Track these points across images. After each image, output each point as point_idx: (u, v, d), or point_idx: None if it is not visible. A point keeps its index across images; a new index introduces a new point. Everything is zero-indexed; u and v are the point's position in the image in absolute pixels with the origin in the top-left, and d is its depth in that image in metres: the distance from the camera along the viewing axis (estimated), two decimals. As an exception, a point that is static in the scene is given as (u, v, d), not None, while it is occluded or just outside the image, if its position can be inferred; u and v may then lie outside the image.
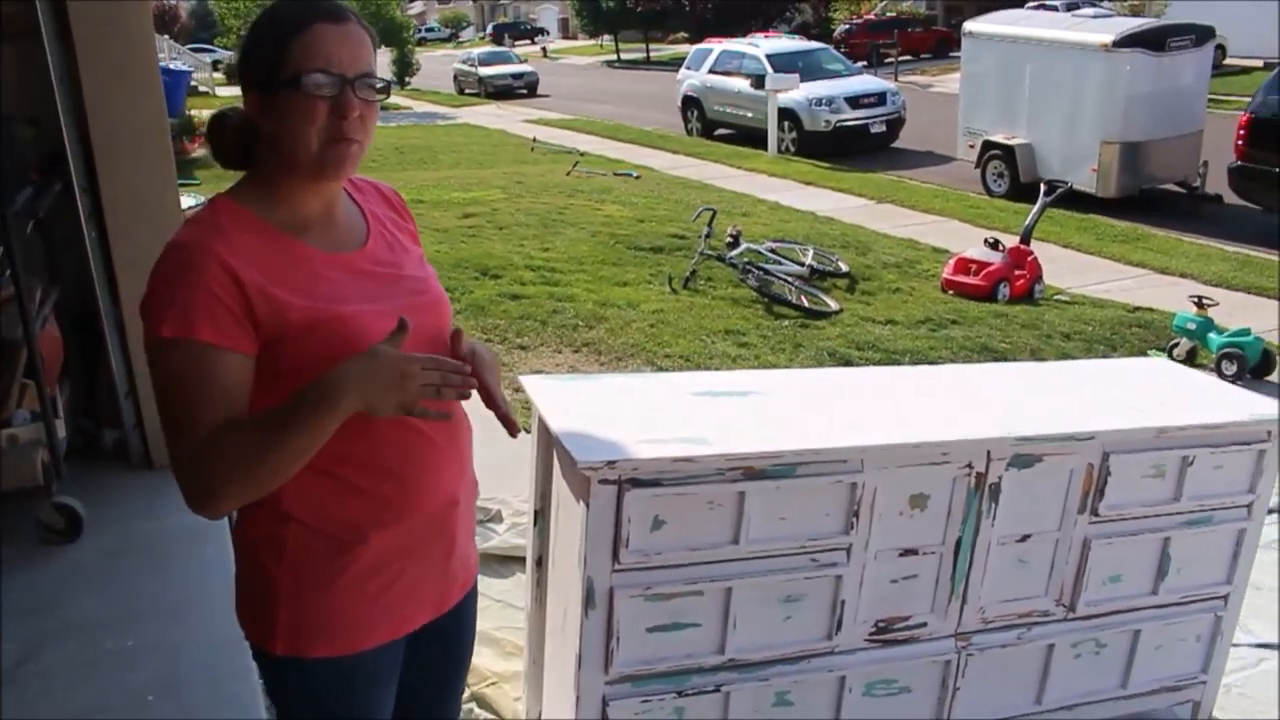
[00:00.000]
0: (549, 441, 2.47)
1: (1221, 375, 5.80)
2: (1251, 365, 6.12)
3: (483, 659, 3.11)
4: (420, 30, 54.42)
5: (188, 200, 9.54)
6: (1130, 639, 2.78)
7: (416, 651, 1.81)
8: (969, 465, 2.45)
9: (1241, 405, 2.83)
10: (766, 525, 2.31)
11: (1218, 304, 6.62)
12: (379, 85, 1.58)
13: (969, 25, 13.38)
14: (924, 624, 2.55)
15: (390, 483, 1.62)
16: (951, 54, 26.24)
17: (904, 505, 2.43)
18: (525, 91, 29.06)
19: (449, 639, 1.89)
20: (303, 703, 1.72)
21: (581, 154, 14.85)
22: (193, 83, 22.75)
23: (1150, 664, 2.84)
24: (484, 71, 30.28)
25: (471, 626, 1.98)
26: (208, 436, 1.47)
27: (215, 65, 31.95)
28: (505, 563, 3.71)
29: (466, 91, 31.02)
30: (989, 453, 2.46)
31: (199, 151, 14.76)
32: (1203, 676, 2.93)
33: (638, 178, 12.95)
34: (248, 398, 1.52)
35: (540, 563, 2.64)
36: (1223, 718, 3.07)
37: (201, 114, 17.17)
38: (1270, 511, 2.91)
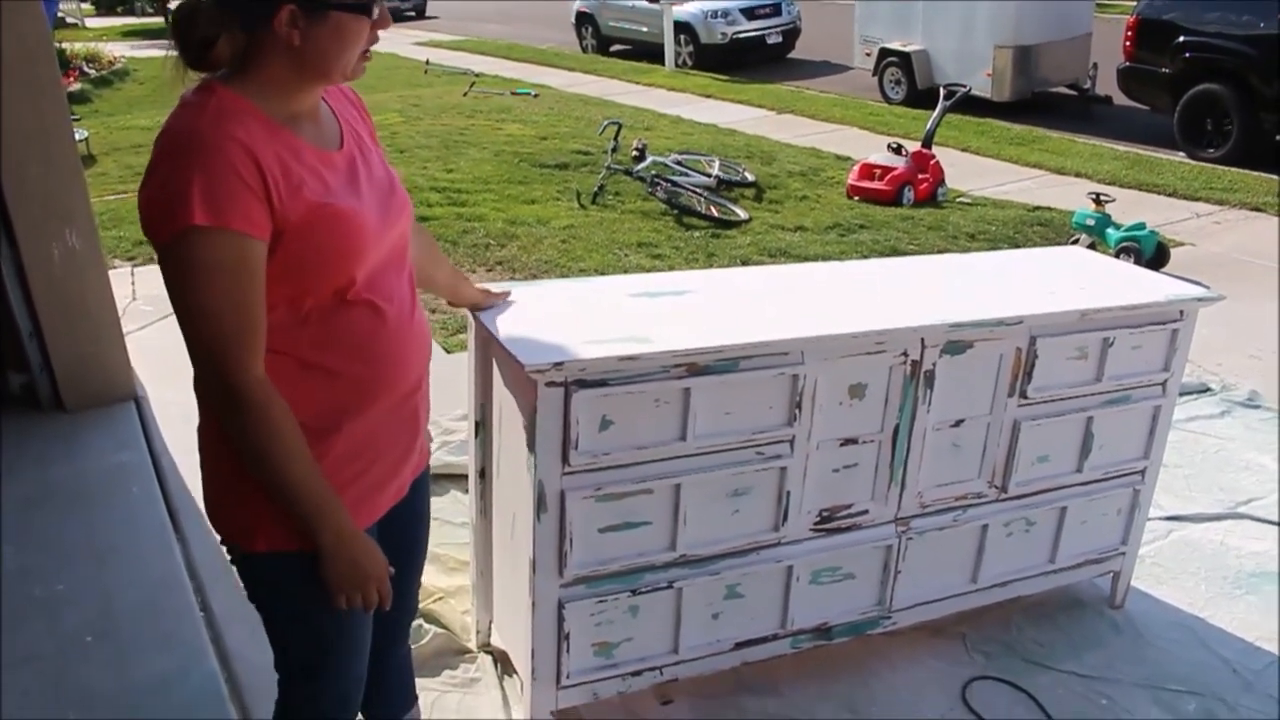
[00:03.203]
0: (489, 350, 2.44)
1: (1121, 267, 5.97)
2: (1147, 257, 6.31)
3: (426, 575, 3.08)
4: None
5: (80, 133, 9.13)
6: (1058, 516, 2.89)
7: (382, 536, 1.82)
8: (904, 354, 2.49)
9: (1155, 287, 2.92)
10: (712, 421, 2.33)
11: (1114, 200, 6.80)
12: None
13: (861, -68, 13.32)
14: (865, 511, 2.61)
15: (363, 364, 1.66)
16: (842, -37, 26.12)
17: (844, 395, 2.47)
18: (413, 14, 28.17)
19: (409, 517, 1.94)
20: (288, 598, 1.74)
21: (477, 75, 14.52)
22: (59, 14, 21.58)
23: (1075, 539, 2.95)
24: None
25: (427, 503, 2.06)
26: (273, 391, 1.53)
27: (81, -6, 30.30)
28: (438, 481, 3.68)
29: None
30: (923, 340, 2.50)
31: (74, 86, 14.08)
32: (1122, 548, 3.06)
33: (536, 96, 12.74)
34: (264, 288, 1.52)
35: (483, 474, 2.62)
36: (1139, 586, 3.22)
37: (73, 46, 16.34)
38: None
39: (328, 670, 1.84)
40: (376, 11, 1.56)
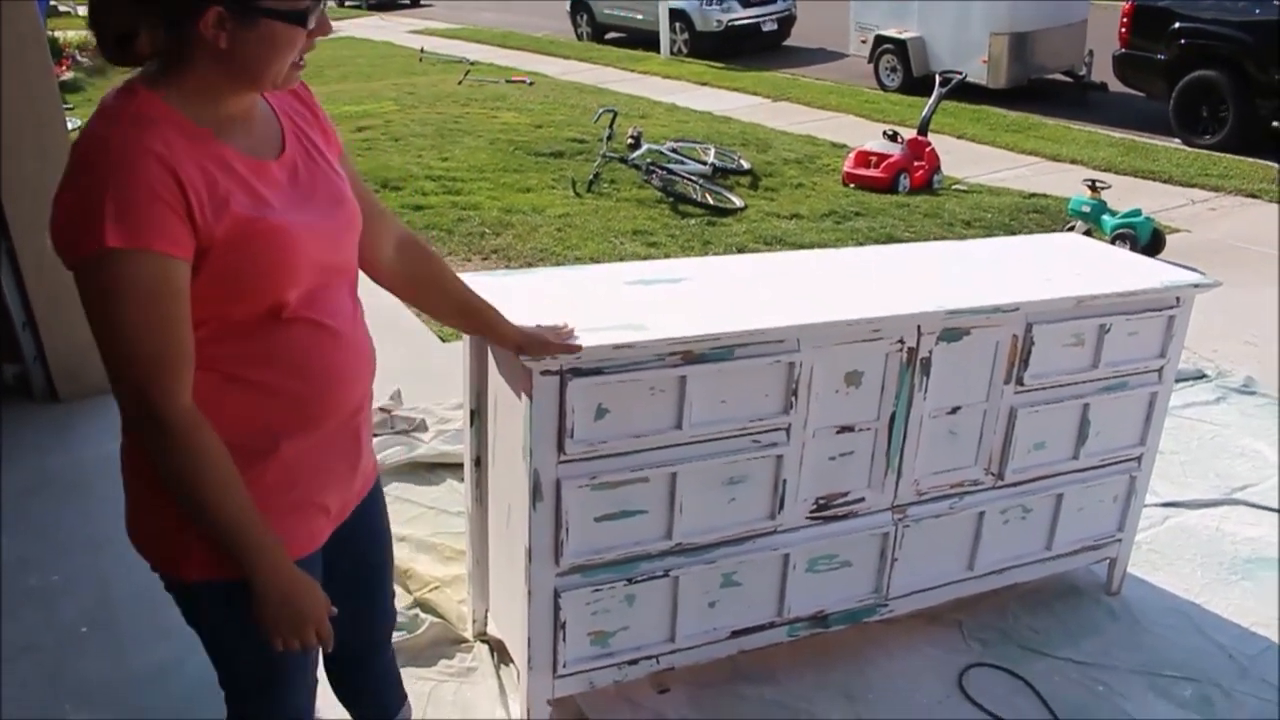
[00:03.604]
0: (484, 339, 2.42)
1: (1116, 254, 5.97)
2: (1143, 244, 6.31)
3: (422, 565, 3.09)
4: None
5: (73, 122, 9.08)
6: (1054, 503, 2.89)
7: (330, 563, 1.75)
8: (900, 340, 2.48)
9: (1151, 274, 2.91)
10: (708, 408, 2.32)
11: (1110, 187, 6.79)
12: None
13: (857, -82, 13.28)
14: (862, 499, 2.61)
15: (303, 382, 1.56)
16: (837, -50, 26.03)
17: (839, 383, 2.46)
18: (408, 2, 28.10)
19: (365, 536, 1.88)
20: (226, 626, 1.65)
21: (472, 63, 14.45)
22: (52, 2, 21.47)
23: (1072, 525, 2.95)
24: (363, -19, 29.14)
25: (382, 518, 1.95)
26: (202, 420, 1.44)
27: (74, -18, 30.18)
28: (434, 470, 3.68)
29: (347, 4, 29.83)
30: (919, 327, 2.49)
31: (67, 74, 14.01)
32: (1119, 535, 3.06)
33: (531, 84, 12.69)
34: (189, 309, 1.42)
35: (479, 463, 2.61)
36: (1135, 572, 3.23)
37: (66, 35, 16.26)
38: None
39: (277, 689, 1.76)
40: (314, 21, 1.46)
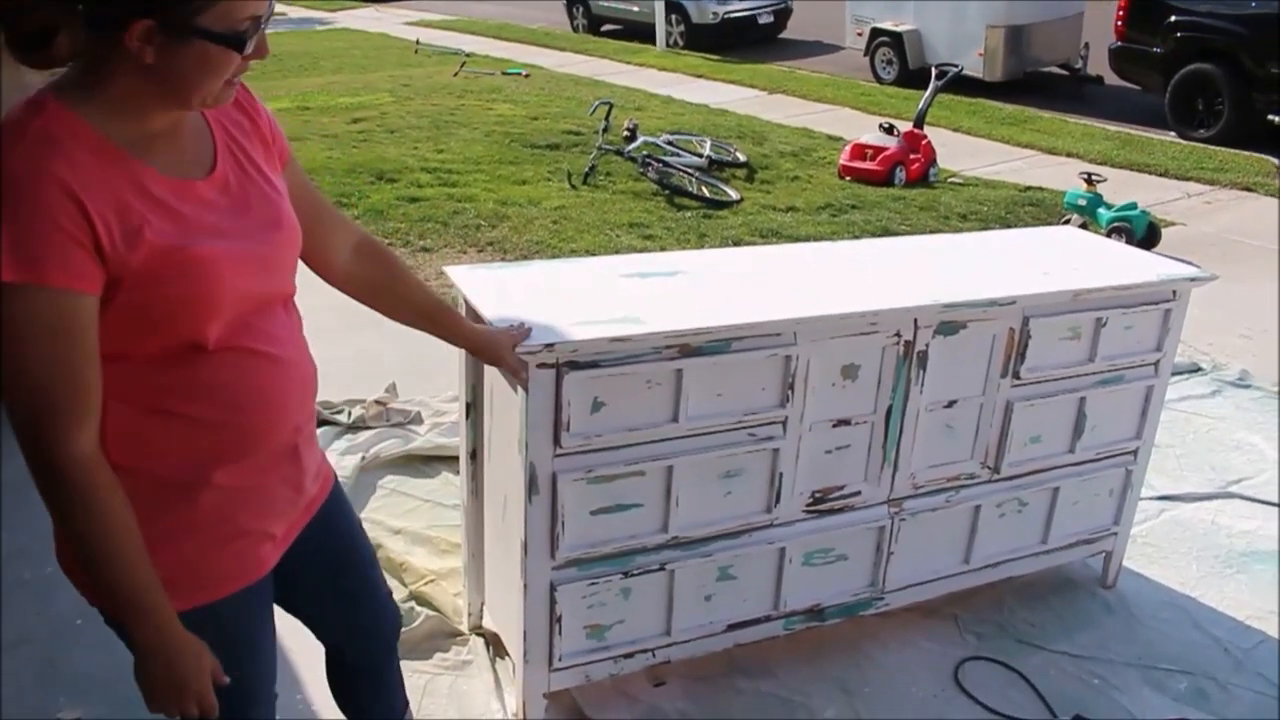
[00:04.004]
0: (480, 331, 2.42)
1: (1112, 248, 5.97)
2: (1139, 238, 6.31)
3: (418, 558, 3.09)
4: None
5: None
6: (1050, 496, 2.89)
7: (293, 577, 1.70)
8: (897, 334, 2.48)
9: (1147, 267, 2.91)
10: (704, 402, 2.31)
11: (1105, 180, 6.79)
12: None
13: (853, -89, 13.25)
14: (858, 492, 2.61)
15: (234, 413, 1.47)
16: (834, -58, 25.97)
17: (836, 376, 2.46)
18: (402, -8, 28.02)
19: (330, 554, 1.80)
20: None
21: (467, 54, 14.41)
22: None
23: (1068, 519, 2.95)
24: (358, -28, 29.01)
25: (348, 524, 1.86)
26: (98, 470, 1.34)
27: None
28: (430, 463, 3.67)
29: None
30: (916, 321, 2.49)
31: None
32: (1114, 528, 3.07)
33: (527, 76, 12.66)
34: (97, 346, 1.33)
35: (475, 456, 2.61)
36: (1131, 566, 3.23)
37: None
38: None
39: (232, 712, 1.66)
40: (251, 46, 1.35)
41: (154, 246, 1.31)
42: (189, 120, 1.44)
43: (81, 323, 1.29)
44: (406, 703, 2.19)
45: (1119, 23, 10.37)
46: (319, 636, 1.96)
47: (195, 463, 1.46)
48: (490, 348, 2.08)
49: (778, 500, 2.49)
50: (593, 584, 2.36)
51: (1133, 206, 6.50)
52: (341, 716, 2.14)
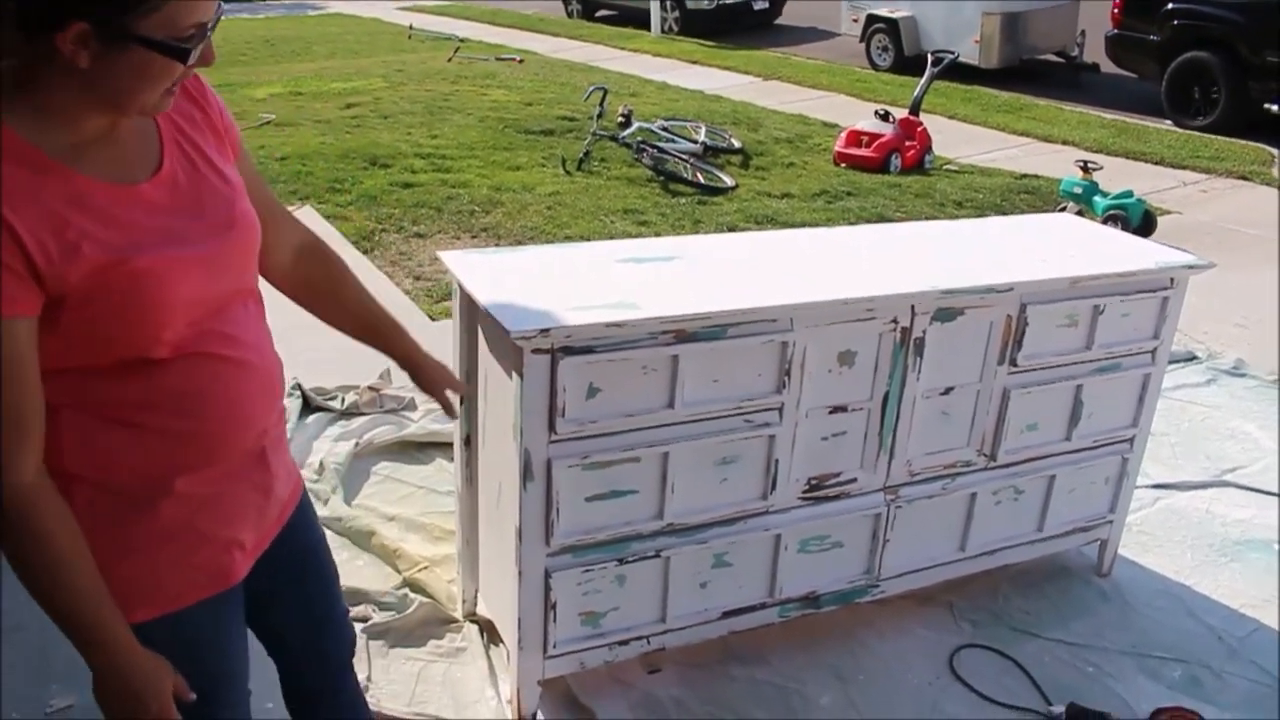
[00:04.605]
0: (474, 315, 2.40)
1: (1108, 235, 5.97)
2: (1135, 226, 6.30)
3: (411, 545, 3.08)
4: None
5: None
6: (1046, 484, 2.88)
7: (268, 592, 1.66)
8: (894, 320, 2.47)
9: (1145, 255, 2.90)
10: (700, 388, 2.30)
11: (1102, 168, 6.77)
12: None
13: (850, -103, 13.20)
14: (854, 479, 2.60)
15: (195, 421, 1.41)
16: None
17: (833, 363, 2.44)
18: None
19: (296, 564, 1.75)
20: None
21: (461, 40, 14.37)
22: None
23: (1063, 507, 2.94)
24: (350, -44, 28.86)
25: (313, 535, 1.80)
26: (39, 498, 1.28)
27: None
28: (424, 449, 3.66)
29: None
30: (913, 307, 2.47)
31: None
32: (1110, 516, 3.06)
33: (521, 62, 12.61)
34: (39, 370, 1.27)
35: (469, 442, 2.59)
36: (1126, 554, 3.22)
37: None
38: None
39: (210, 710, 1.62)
40: (195, 56, 1.28)
41: (94, 263, 1.25)
42: (130, 119, 1.35)
43: (16, 348, 1.23)
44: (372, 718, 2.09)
45: (1115, 10, 10.35)
46: (277, 656, 1.87)
47: (156, 472, 1.41)
48: (429, 374, 1.93)
49: (773, 487, 2.48)
50: (588, 571, 2.35)
51: (1129, 195, 6.49)
52: None
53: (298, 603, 1.78)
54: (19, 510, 1.28)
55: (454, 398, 1.99)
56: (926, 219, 6.63)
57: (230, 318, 1.45)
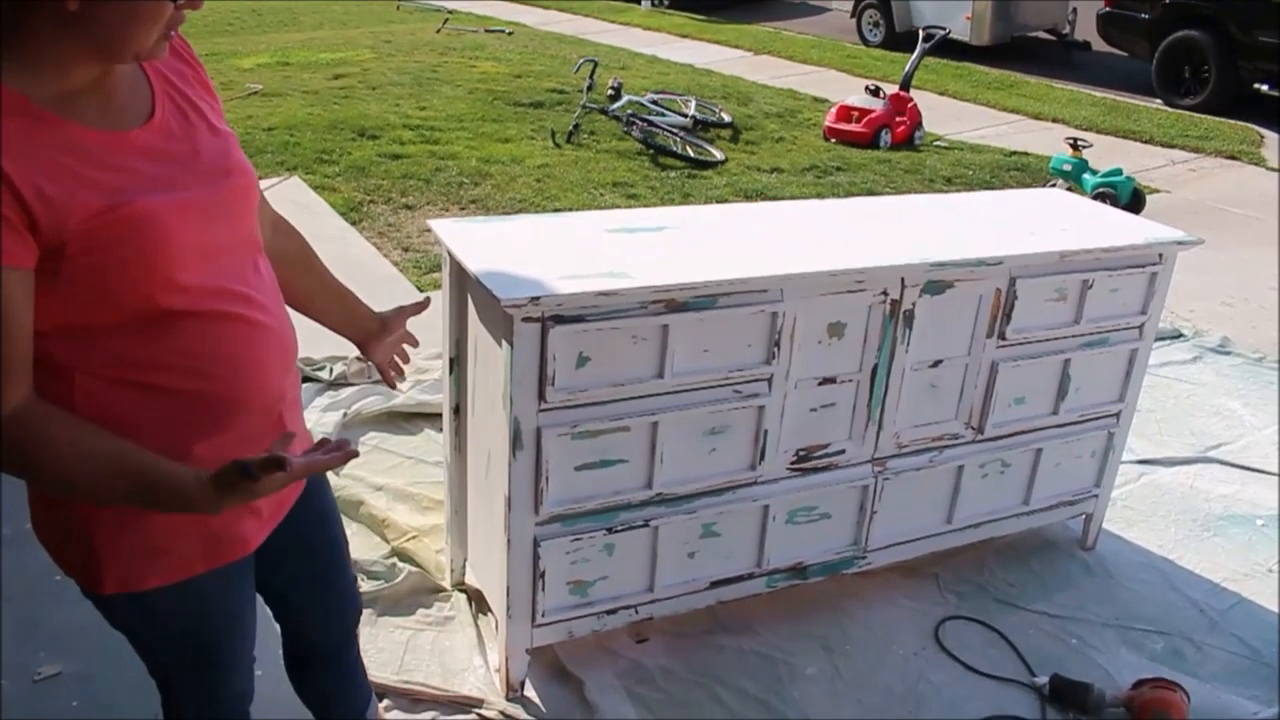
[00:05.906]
0: (464, 284, 2.39)
1: (1097, 213, 5.98)
2: (1123, 204, 6.32)
3: (400, 514, 3.08)
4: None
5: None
6: (1033, 458, 2.90)
7: (274, 554, 1.66)
8: (884, 292, 2.47)
9: (1134, 230, 2.91)
10: (690, 358, 2.30)
11: (1092, 145, 6.78)
12: None
13: None
14: (842, 451, 2.60)
15: (207, 381, 1.40)
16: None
17: (822, 334, 2.45)
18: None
19: (309, 534, 1.75)
20: (151, 632, 1.56)
21: (450, 11, 14.26)
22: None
23: (1050, 481, 2.96)
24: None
25: (325, 503, 1.81)
26: (34, 411, 1.26)
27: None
28: (412, 420, 3.65)
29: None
30: (903, 280, 2.48)
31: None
32: (1095, 491, 3.08)
33: (510, 34, 12.53)
34: (32, 319, 1.27)
35: (458, 411, 2.59)
36: (1110, 528, 3.25)
37: None
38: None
39: (212, 675, 1.66)
40: None
41: (91, 207, 1.25)
42: (121, 68, 1.34)
43: (11, 296, 1.22)
44: (370, 693, 2.12)
45: (1107, -12, 10.34)
46: (282, 619, 1.88)
47: (170, 436, 1.38)
48: (393, 327, 1.97)
49: (762, 458, 2.49)
50: (576, 540, 2.36)
51: (1118, 172, 6.50)
52: (302, 709, 2.06)
53: (307, 566, 1.80)
54: (15, 436, 1.26)
55: (411, 351, 2.07)
56: (916, 194, 6.64)
57: (242, 276, 1.44)
